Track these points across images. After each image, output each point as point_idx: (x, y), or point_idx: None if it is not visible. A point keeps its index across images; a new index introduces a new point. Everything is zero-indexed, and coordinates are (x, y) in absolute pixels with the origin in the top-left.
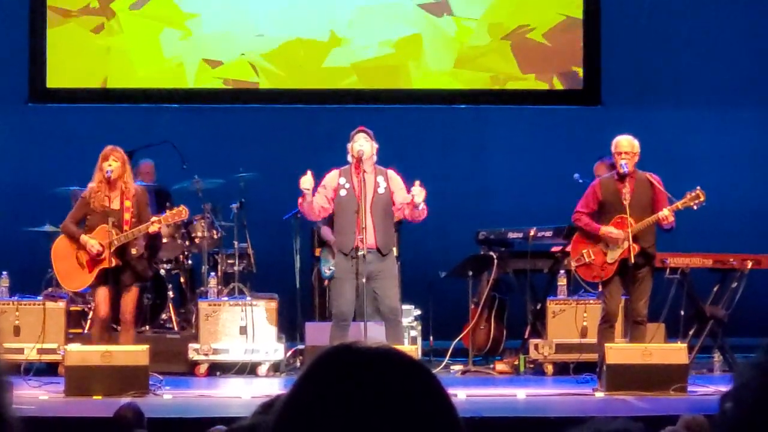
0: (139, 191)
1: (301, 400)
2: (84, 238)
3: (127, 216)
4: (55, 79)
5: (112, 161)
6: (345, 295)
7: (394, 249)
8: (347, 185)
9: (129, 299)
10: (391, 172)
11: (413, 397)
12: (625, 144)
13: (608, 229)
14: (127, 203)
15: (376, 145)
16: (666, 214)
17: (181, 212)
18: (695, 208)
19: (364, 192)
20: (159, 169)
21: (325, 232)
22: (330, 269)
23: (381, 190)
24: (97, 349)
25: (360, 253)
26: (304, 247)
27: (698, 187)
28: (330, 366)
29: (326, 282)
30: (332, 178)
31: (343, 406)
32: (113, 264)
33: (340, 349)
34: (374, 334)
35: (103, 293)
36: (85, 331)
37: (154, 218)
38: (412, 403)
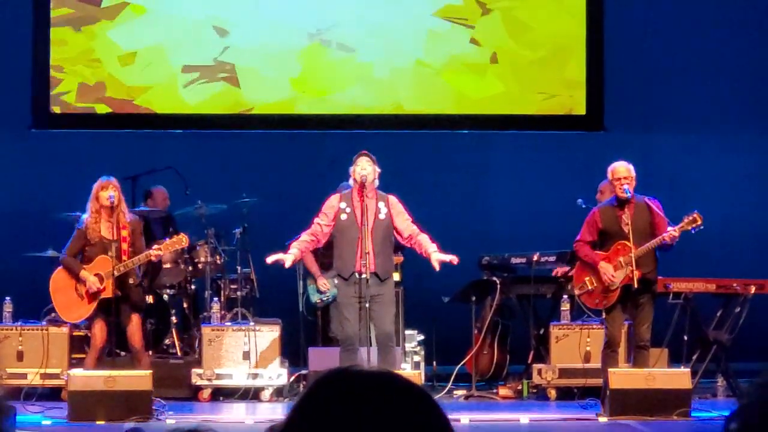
0: (133, 221)
1: (300, 423)
2: (84, 274)
3: (124, 246)
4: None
5: (113, 190)
6: (349, 320)
7: (396, 275)
8: (348, 209)
9: (134, 329)
10: (392, 199)
11: (412, 420)
12: (623, 170)
13: (605, 267)
14: (124, 233)
15: (378, 170)
16: (671, 233)
17: (181, 240)
18: (693, 232)
19: (366, 217)
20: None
21: (308, 260)
22: (323, 299)
23: (382, 216)
24: (101, 374)
25: (363, 278)
26: (306, 273)
27: (695, 211)
28: (329, 389)
29: (319, 303)
30: (332, 203)
31: (341, 429)
32: (113, 294)
33: (338, 372)
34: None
35: (100, 324)
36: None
37: (155, 246)
38: (411, 426)
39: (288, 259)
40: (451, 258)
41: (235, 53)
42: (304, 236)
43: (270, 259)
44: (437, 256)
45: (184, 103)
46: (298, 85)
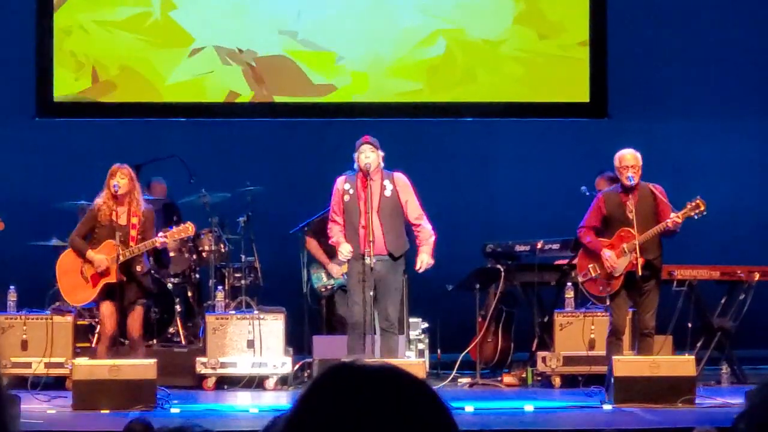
0: (146, 211)
1: (302, 418)
2: (91, 254)
3: (133, 232)
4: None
5: (119, 178)
6: (358, 303)
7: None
8: (351, 191)
9: (135, 318)
10: (398, 175)
11: (414, 414)
12: (630, 158)
13: (607, 255)
14: (134, 219)
15: (382, 154)
16: (674, 218)
17: (188, 228)
18: (696, 218)
19: (371, 201)
20: (166, 183)
21: (312, 245)
22: (328, 287)
23: (387, 193)
24: (105, 363)
25: (367, 261)
26: (310, 260)
27: (698, 197)
28: (331, 384)
29: (323, 290)
30: (338, 186)
31: (344, 424)
32: (118, 279)
33: (341, 367)
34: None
35: (108, 309)
36: (93, 345)
37: (160, 234)
38: (413, 420)
39: (345, 248)
40: (426, 263)
41: (243, 42)
42: (336, 226)
43: (341, 265)
44: (424, 258)
45: (191, 91)
46: (301, 73)
